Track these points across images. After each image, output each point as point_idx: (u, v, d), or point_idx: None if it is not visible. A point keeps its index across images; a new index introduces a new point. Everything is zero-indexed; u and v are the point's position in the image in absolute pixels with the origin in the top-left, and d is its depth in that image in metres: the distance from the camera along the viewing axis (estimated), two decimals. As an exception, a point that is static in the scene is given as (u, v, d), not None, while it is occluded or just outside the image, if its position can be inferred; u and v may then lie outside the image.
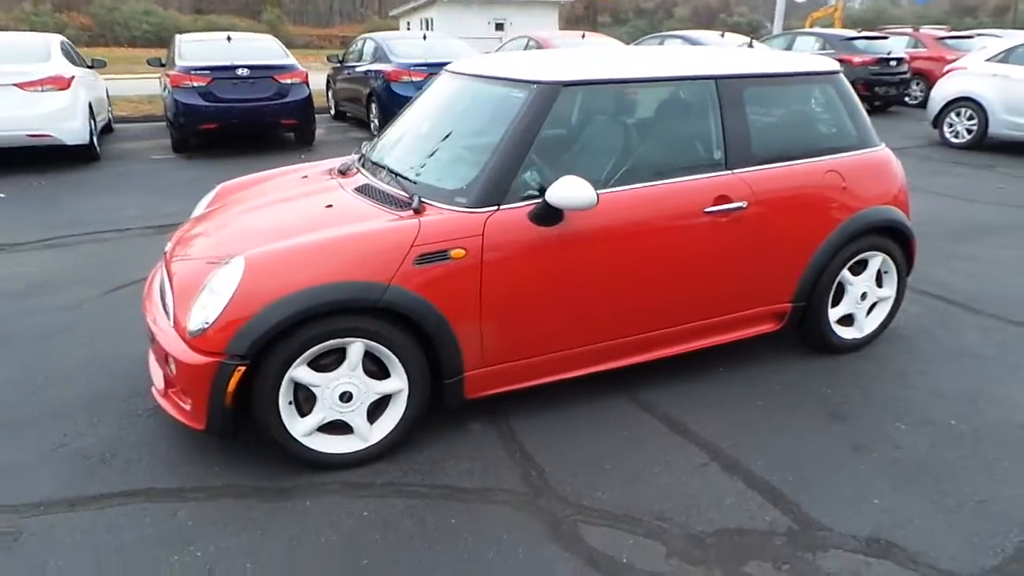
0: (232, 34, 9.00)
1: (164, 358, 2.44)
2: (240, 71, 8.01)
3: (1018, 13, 40.18)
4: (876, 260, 3.33)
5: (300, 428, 2.46)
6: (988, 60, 8.91)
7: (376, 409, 2.57)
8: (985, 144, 8.85)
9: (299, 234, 2.52)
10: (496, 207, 2.55)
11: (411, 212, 2.56)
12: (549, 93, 2.66)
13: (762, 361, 3.34)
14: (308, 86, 8.59)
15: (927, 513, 2.34)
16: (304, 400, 2.47)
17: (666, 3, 61.48)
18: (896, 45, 12.65)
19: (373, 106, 9.37)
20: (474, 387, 2.68)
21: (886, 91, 12.04)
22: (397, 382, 2.53)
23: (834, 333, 3.35)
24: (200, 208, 3.34)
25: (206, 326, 2.31)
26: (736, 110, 2.95)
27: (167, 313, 2.55)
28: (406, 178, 2.78)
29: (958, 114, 9.12)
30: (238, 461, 2.58)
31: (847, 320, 3.40)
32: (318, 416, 2.48)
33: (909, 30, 13.67)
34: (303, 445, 2.48)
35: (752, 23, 54.79)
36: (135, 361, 3.31)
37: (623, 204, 2.71)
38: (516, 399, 2.87)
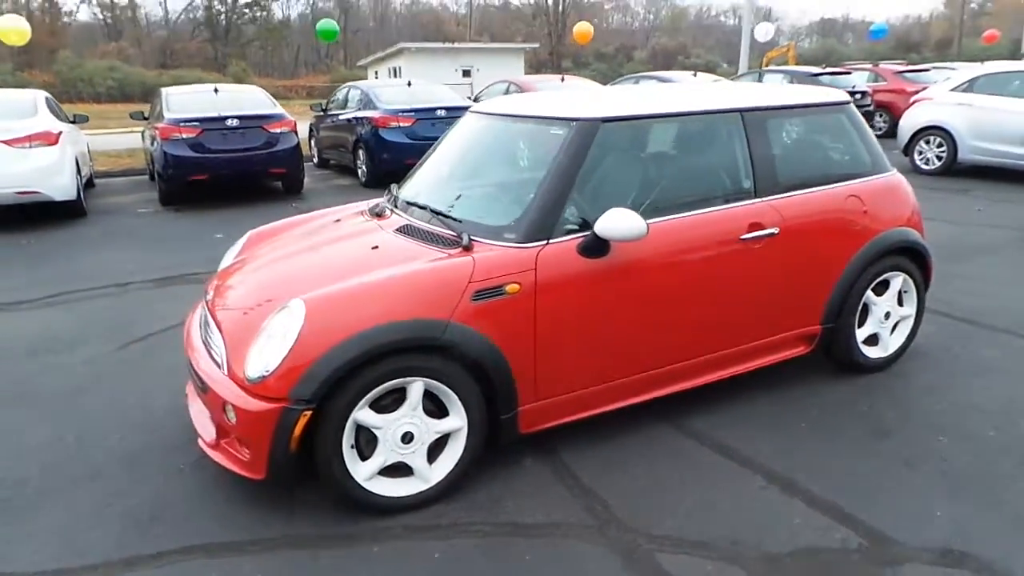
0: (219, 85, 9.04)
1: (220, 407, 2.40)
2: (230, 121, 8.03)
3: (961, 47, 42.14)
4: (897, 280, 3.43)
5: (362, 472, 2.42)
6: (953, 90, 9.34)
7: (434, 449, 2.54)
8: (954, 169, 9.22)
9: (350, 276, 2.53)
10: (546, 241, 2.59)
11: (461, 249, 2.58)
12: (589, 129, 2.73)
13: (794, 384, 3.39)
14: (297, 135, 8.64)
15: (992, 523, 2.38)
16: (365, 443, 2.44)
17: (625, 47, 63.32)
18: (859, 79, 13.19)
19: (360, 152, 9.43)
20: (528, 422, 2.68)
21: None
22: (456, 420, 2.52)
23: (861, 353, 3.42)
24: (231, 255, 3.32)
25: (267, 373, 2.28)
26: (761, 140, 3.05)
27: (218, 362, 2.51)
28: (450, 216, 2.80)
29: (927, 142, 9.51)
30: (291, 511, 2.53)
31: (872, 340, 3.48)
32: (380, 459, 2.45)
33: (869, 65, 14.30)
34: (365, 490, 2.43)
35: (709, 64, 56.69)
36: (165, 415, 3.24)
37: (664, 234, 2.77)
38: (564, 432, 2.87)
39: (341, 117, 10.19)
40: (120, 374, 3.75)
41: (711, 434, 2.97)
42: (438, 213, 2.85)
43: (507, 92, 11.29)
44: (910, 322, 3.56)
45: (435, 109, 9.11)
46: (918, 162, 9.60)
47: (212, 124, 8.02)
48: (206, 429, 2.66)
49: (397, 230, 2.89)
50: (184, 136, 7.91)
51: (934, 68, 14.01)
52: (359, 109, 9.64)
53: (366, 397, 2.34)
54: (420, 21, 65.19)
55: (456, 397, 2.48)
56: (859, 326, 3.39)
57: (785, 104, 3.19)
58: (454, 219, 2.78)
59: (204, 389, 2.50)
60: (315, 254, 2.88)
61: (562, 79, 11.07)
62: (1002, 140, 8.78)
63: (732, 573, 2.18)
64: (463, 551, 2.31)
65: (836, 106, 3.37)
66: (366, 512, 2.49)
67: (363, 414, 2.37)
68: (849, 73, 13.25)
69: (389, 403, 2.43)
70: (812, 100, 3.30)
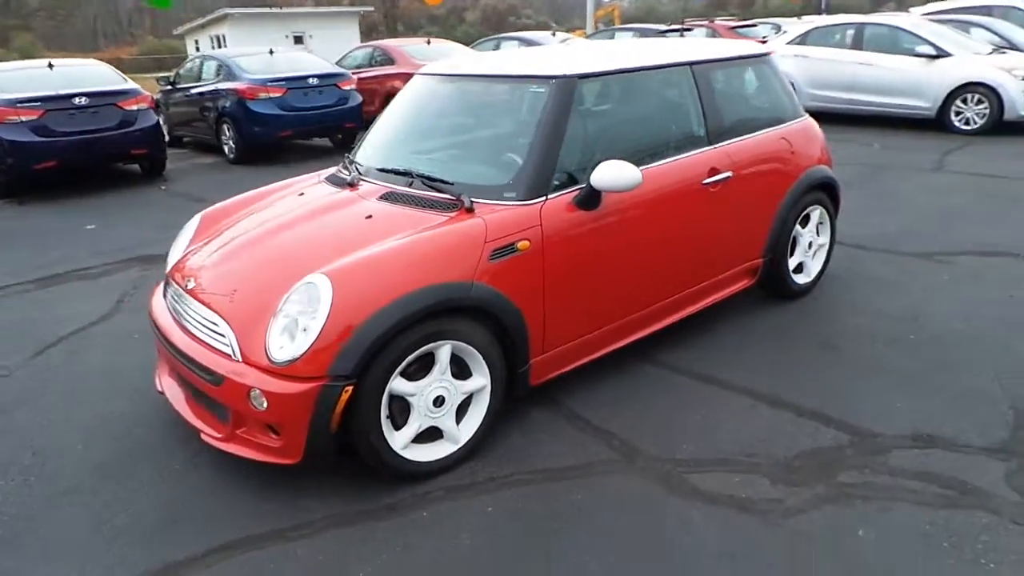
0: (53, 60, 8.03)
1: (244, 396, 2.27)
2: (78, 100, 7.19)
3: (768, 6, 45.86)
4: (815, 212, 3.85)
5: (399, 441, 2.42)
6: (789, 43, 10.28)
7: (460, 410, 2.58)
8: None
9: (356, 246, 2.47)
10: (544, 197, 2.66)
11: (463, 211, 2.60)
12: (568, 86, 2.81)
13: (741, 315, 3.73)
14: (156, 111, 7.91)
15: (939, 407, 2.81)
16: (398, 412, 2.42)
17: (457, 9, 62.92)
18: (700, 36, 14.07)
19: (226, 127, 8.82)
20: (538, 373, 2.77)
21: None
22: (480, 379, 2.56)
23: (793, 280, 3.82)
24: (184, 239, 3.08)
25: (300, 353, 2.20)
26: (709, 91, 3.29)
27: (225, 351, 2.37)
28: (439, 180, 2.78)
29: (770, 91, 10.42)
30: (316, 491, 2.46)
31: (798, 268, 3.89)
32: (414, 425, 2.45)
33: (706, 22, 15.29)
34: (403, 458, 2.43)
35: (540, 24, 57.83)
36: (126, 418, 3.01)
37: (644, 183, 2.93)
38: (559, 381, 2.99)
39: (196, 90, 9.44)
40: (50, 382, 3.38)
41: (688, 366, 3.23)
42: (427, 177, 2.82)
43: (372, 58, 10.96)
44: (825, 250, 4.02)
45: (307, 77, 8.69)
46: (763, 110, 10.52)
47: (56, 104, 7.15)
48: (211, 422, 2.52)
49: (382, 198, 2.84)
50: (23, 119, 7.00)
51: (759, 23, 15.28)
52: (219, 81, 8.97)
53: (400, 365, 2.33)
54: (235, -16, 60.77)
55: (480, 356, 2.52)
56: (789, 256, 3.78)
57: (724, 57, 3.45)
58: (444, 182, 2.77)
59: (217, 381, 2.35)
60: (301, 228, 2.76)
61: (428, 42, 10.91)
62: (831, 87, 9.84)
63: (756, 480, 2.43)
64: (513, 501, 2.39)
65: (761, 57, 3.68)
66: (400, 481, 2.49)
67: (397, 383, 2.35)
68: (691, 30, 14.11)
69: (416, 370, 2.43)
70: (744, 52, 3.58)
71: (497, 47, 12.72)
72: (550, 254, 2.65)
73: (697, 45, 3.51)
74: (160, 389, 2.87)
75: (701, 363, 3.25)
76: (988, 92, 8.41)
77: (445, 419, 2.52)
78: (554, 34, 13.08)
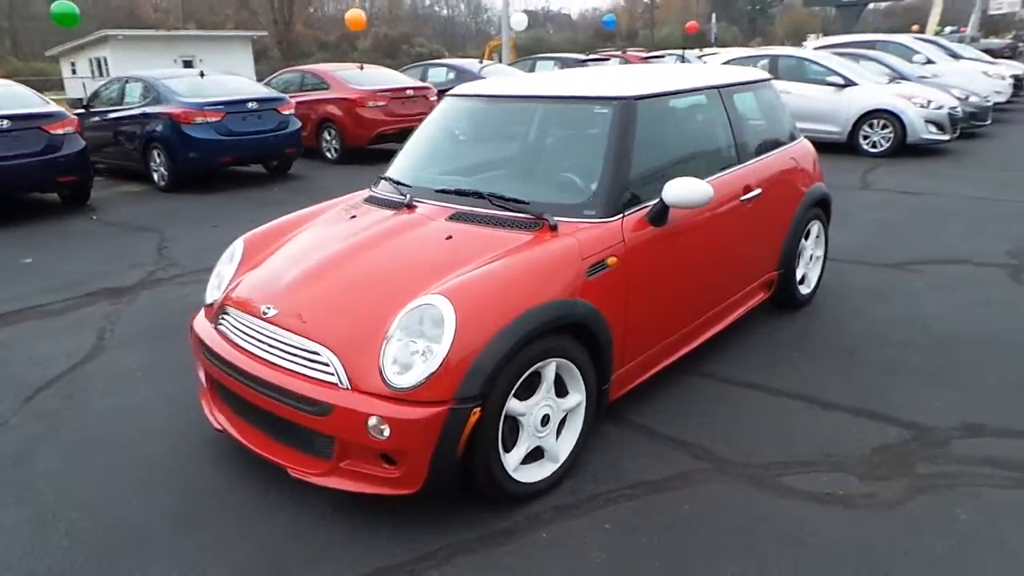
0: (-40, 81, 7.32)
1: (361, 426, 2.16)
2: (3, 123, 6.59)
3: (654, 38, 48.47)
4: (815, 226, 4.12)
5: (511, 463, 2.38)
6: (709, 71, 10.91)
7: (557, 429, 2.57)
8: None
9: (452, 267, 2.43)
10: (622, 214, 2.72)
11: (547, 229, 2.61)
12: (630, 107, 2.89)
13: (754, 326, 3.91)
14: (82, 136, 7.37)
15: (974, 399, 3.06)
16: (508, 433, 2.38)
17: (348, 36, 62.29)
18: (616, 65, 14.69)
19: (156, 153, 8.32)
20: (615, 389, 2.81)
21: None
22: (577, 396, 2.57)
23: (799, 291, 4.06)
24: (230, 265, 2.91)
25: (425, 376, 2.13)
26: (735, 113, 3.47)
27: (330, 380, 2.25)
28: (513, 199, 2.78)
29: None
30: (420, 522, 2.37)
31: (801, 279, 4.13)
32: (524, 446, 2.42)
33: (619, 53, 16.01)
34: (515, 480, 2.39)
35: (434, 52, 58.20)
36: (175, 462, 2.79)
37: (699, 200, 3.05)
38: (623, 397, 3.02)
39: (117, 115, 8.85)
40: (57, 428, 3.07)
41: (732, 375, 3.36)
42: (501, 197, 2.80)
43: (303, 83, 10.69)
44: (820, 261, 4.30)
45: (245, 102, 8.35)
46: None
47: (-25, 127, 6.52)
48: (301, 457, 2.38)
49: (452, 218, 2.79)
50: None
51: (666, 54, 16.15)
52: (146, 104, 8.46)
53: (515, 385, 2.30)
54: (109, 4, 57.35)
55: (579, 373, 2.53)
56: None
57: (740, 81, 3.65)
58: (520, 201, 2.77)
59: (323, 411, 2.23)
60: (378, 251, 2.66)
61: (360, 67, 10.76)
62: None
63: (845, 479, 2.56)
64: (625, 517, 2.40)
65: (765, 82, 3.92)
66: (503, 505, 2.43)
67: (512, 403, 2.32)
68: (607, 60, 14.74)
69: (520, 391, 2.40)
70: (753, 77, 3.81)
71: (424, 74, 12.73)
72: (631, 270, 2.70)
73: (715, 70, 3.70)
74: (219, 426, 2.68)
75: (742, 372, 3.39)
76: (892, 118, 9.27)
77: (548, 438, 2.50)
78: (481, 61, 13.28)
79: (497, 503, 2.43)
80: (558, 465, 2.54)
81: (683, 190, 2.72)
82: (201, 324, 2.83)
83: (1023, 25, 73.81)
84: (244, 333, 2.56)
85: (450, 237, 2.67)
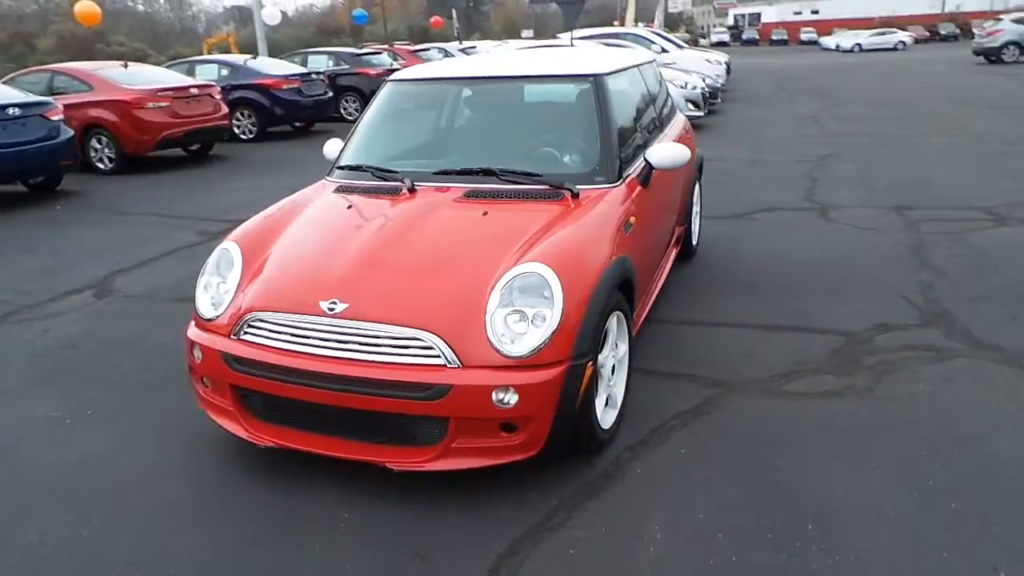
0: None
1: (486, 400, 2.18)
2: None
3: (376, 36, 48.55)
4: (696, 186, 4.75)
5: (598, 413, 2.54)
6: (495, 62, 11.49)
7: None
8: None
9: (514, 237, 2.52)
10: (623, 179, 2.99)
11: (569, 197, 2.80)
12: (603, 82, 3.17)
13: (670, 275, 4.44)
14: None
15: (866, 307, 3.85)
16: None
17: (23, 34, 53.42)
18: (387, 58, 14.67)
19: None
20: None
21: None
22: (623, 345, 2.79)
23: (692, 242, 4.67)
24: (232, 271, 2.63)
25: (543, 340, 2.22)
26: (651, 87, 3.91)
27: (435, 363, 2.22)
28: (524, 173, 2.89)
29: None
30: (520, 486, 2.43)
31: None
32: (603, 395, 2.59)
33: (386, 47, 15.96)
34: (603, 429, 2.56)
35: (137, 52, 52.32)
36: (227, 489, 2.51)
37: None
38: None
39: None
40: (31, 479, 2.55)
41: (675, 317, 3.81)
42: (509, 172, 2.89)
43: (52, 86, 9.17)
44: (699, 216, 4.96)
45: (5, 107, 7.03)
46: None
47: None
48: (399, 450, 2.33)
49: (466, 196, 2.83)
50: None
51: (435, 48, 16.53)
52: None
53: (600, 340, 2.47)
54: None
55: (627, 323, 2.76)
56: (686, 223, 4.61)
57: (648, 60, 4.10)
58: (533, 174, 2.90)
59: (438, 394, 2.19)
60: (423, 232, 2.61)
61: (125, 66, 9.49)
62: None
63: (824, 378, 3.11)
64: (688, 440, 2.69)
65: (654, 62, 4.42)
66: (581, 456, 2.58)
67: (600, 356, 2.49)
68: (380, 53, 14.69)
69: (590, 343, 2.57)
70: (650, 57, 4.28)
71: (191, 72, 11.64)
72: (639, 226, 2.98)
73: (629, 49, 4.11)
74: (271, 442, 2.46)
75: (680, 313, 3.87)
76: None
77: (615, 387, 2.71)
78: (251, 59, 12.51)
79: (578, 455, 2.57)
80: (617, 410, 2.75)
81: (667, 153, 3.07)
82: (213, 339, 2.54)
83: (690, 21, 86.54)
84: (300, 336, 2.38)
85: (486, 213, 2.72)
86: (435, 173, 3.00)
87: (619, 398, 2.76)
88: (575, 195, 2.80)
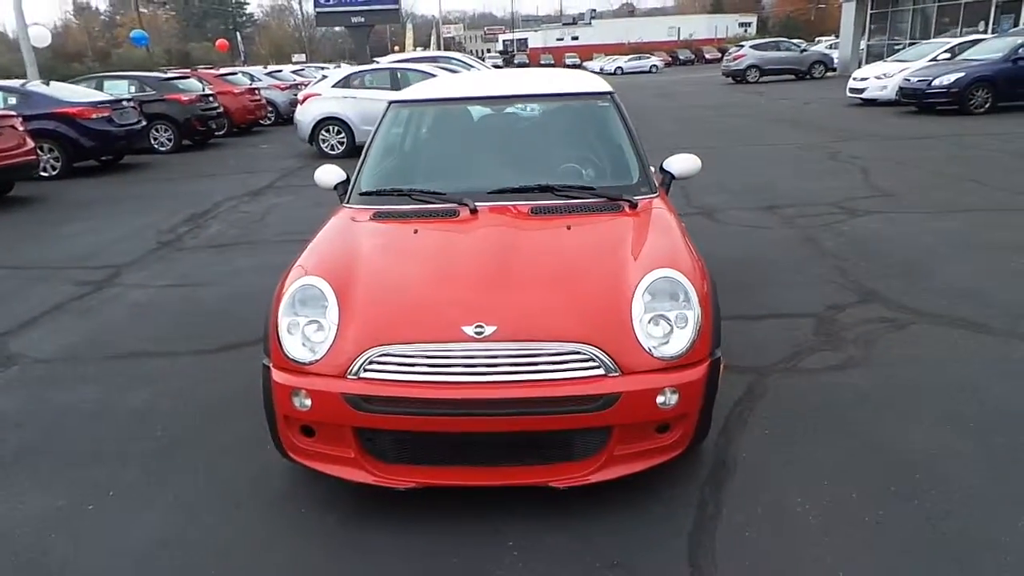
0: None
1: (651, 403, 2.25)
2: None
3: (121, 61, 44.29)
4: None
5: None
6: (334, 86, 11.16)
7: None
8: (356, 150, 11.20)
9: (616, 246, 2.62)
10: (656, 189, 3.20)
11: (629, 208, 2.95)
12: (616, 100, 3.36)
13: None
14: None
15: (810, 293, 4.42)
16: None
17: None
18: (196, 84, 13.52)
19: None
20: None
21: (212, 123, 13.02)
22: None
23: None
24: (328, 308, 2.41)
25: (690, 340, 2.34)
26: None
27: (594, 373, 2.25)
28: (583, 188, 2.99)
29: (328, 131, 11.15)
30: (659, 483, 2.53)
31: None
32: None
33: (189, 71, 14.66)
34: (709, 419, 2.73)
35: None
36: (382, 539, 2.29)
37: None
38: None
39: None
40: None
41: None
42: (566, 187, 2.97)
43: None
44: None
45: None
46: (324, 148, 11.18)
47: None
48: (561, 466, 2.32)
49: (533, 212, 2.86)
50: None
51: (240, 72, 15.55)
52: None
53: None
54: None
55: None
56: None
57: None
58: (589, 188, 3.00)
59: (607, 403, 2.21)
60: (523, 250, 2.58)
61: None
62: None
63: (825, 355, 3.56)
64: (756, 424, 2.95)
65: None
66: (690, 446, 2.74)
67: (704, 353, 2.65)
68: (188, 77, 13.50)
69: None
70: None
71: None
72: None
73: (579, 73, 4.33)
74: (411, 483, 2.31)
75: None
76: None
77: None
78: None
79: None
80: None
81: (686, 164, 3.34)
82: (326, 381, 2.31)
83: (460, 47, 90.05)
84: (441, 365, 2.26)
85: (570, 227, 2.77)
86: (489, 193, 2.98)
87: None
88: (633, 205, 2.94)
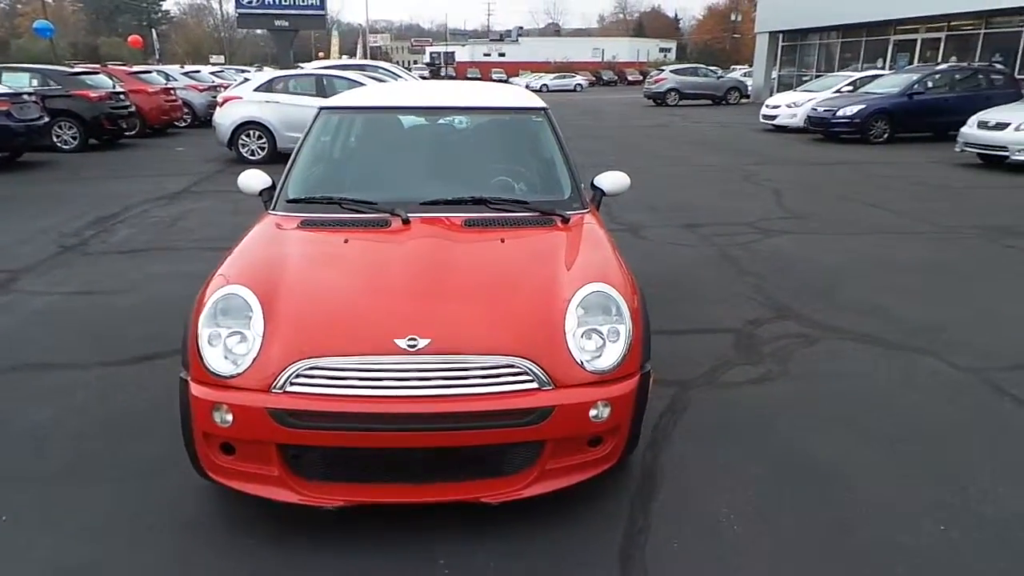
0: None
1: (580, 417, 2.25)
2: None
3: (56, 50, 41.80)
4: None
5: (633, 419, 2.74)
6: (256, 90, 10.82)
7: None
8: (278, 157, 10.85)
9: (549, 260, 2.64)
10: (589, 205, 3.25)
11: (561, 223, 2.98)
12: (549, 115, 3.40)
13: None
14: None
15: (730, 308, 4.57)
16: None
17: None
18: (107, 81, 12.82)
19: None
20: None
21: (123, 123, 12.39)
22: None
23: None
24: (252, 319, 2.30)
25: (621, 353, 2.36)
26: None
27: (540, 381, 2.25)
28: (516, 201, 2.99)
29: (249, 135, 10.79)
30: (564, 507, 2.56)
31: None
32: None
33: (99, 67, 13.89)
34: (637, 431, 2.77)
35: None
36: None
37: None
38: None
39: None
40: None
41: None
42: (499, 200, 2.96)
43: None
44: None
45: None
46: (244, 153, 10.81)
47: None
48: (489, 482, 2.31)
49: (466, 224, 2.84)
50: None
51: (155, 70, 14.87)
52: None
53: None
54: None
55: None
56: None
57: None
58: (522, 202, 3.01)
59: (540, 417, 2.18)
60: (453, 262, 2.54)
61: None
62: (301, 128, 10.93)
63: (746, 368, 3.68)
64: (698, 426, 3.03)
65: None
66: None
67: (633, 366, 2.69)
68: (98, 73, 12.79)
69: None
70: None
71: None
72: (608, 246, 3.26)
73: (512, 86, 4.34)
74: (338, 501, 2.24)
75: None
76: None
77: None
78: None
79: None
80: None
81: (616, 181, 3.41)
82: (248, 396, 2.21)
83: (387, 56, 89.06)
84: (372, 378, 2.20)
85: (503, 240, 2.77)
86: (422, 204, 2.94)
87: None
88: (565, 220, 2.97)
